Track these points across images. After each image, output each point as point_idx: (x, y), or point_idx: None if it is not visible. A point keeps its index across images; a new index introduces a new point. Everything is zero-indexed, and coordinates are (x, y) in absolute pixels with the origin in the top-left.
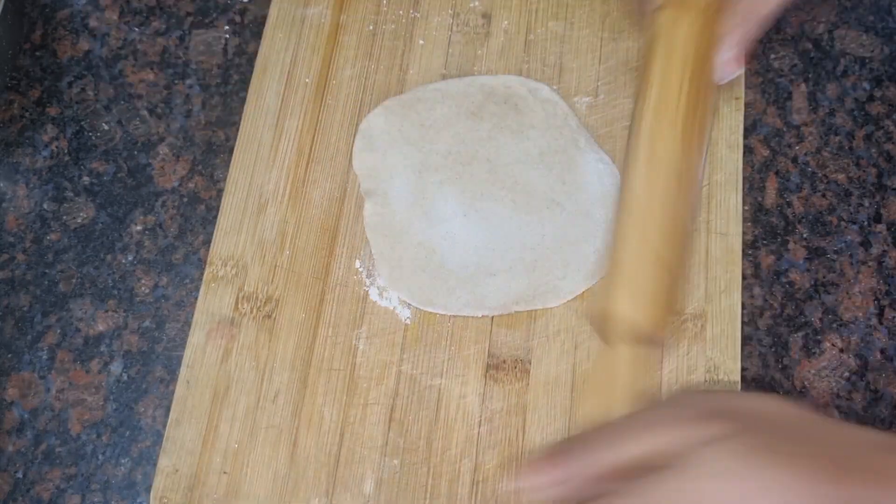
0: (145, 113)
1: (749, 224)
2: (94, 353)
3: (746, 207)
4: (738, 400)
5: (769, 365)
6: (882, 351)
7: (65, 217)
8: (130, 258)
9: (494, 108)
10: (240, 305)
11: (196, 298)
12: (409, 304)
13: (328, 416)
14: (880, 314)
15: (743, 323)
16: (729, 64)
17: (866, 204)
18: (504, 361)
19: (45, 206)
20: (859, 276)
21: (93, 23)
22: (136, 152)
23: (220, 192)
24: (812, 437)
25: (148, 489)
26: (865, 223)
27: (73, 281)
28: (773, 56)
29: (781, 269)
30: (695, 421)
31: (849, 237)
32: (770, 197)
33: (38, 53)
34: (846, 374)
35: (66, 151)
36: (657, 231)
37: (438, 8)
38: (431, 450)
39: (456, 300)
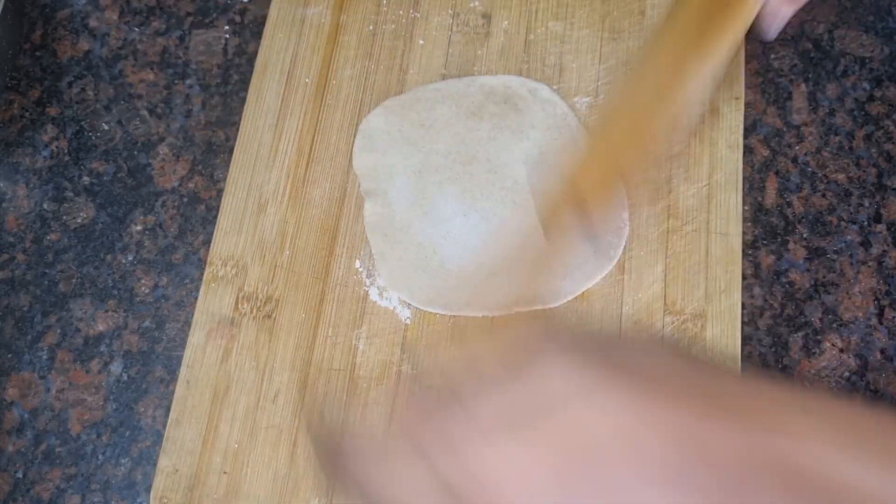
0: (145, 113)
1: (749, 224)
2: (94, 353)
3: (746, 207)
4: (631, 356)
5: (769, 365)
6: (882, 351)
7: (65, 217)
8: (130, 258)
9: (494, 108)
10: (240, 305)
11: (196, 298)
12: (409, 304)
13: (328, 416)
14: (880, 314)
15: (743, 323)
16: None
17: (866, 204)
18: None
19: (45, 206)
20: (859, 276)
21: (93, 23)
22: (136, 152)
23: (220, 192)
24: (704, 384)
25: (148, 489)
26: (865, 223)
27: (73, 281)
28: (773, 56)
29: (781, 269)
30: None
31: (849, 237)
32: (770, 197)
33: (38, 53)
34: (846, 374)
35: (66, 151)
36: (620, 130)
37: (438, 8)
38: None
39: (456, 300)
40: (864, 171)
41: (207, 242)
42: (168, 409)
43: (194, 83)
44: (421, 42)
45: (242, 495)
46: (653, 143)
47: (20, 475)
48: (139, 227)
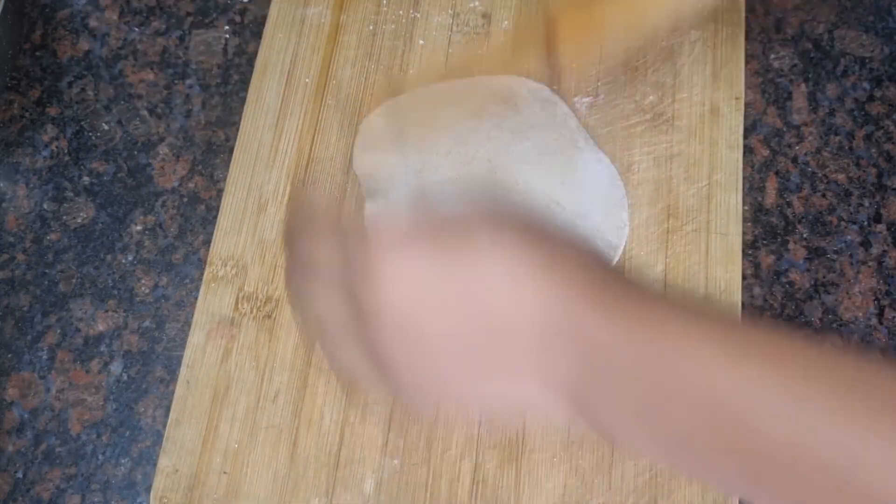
0: (145, 113)
1: (749, 224)
2: (94, 353)
3: (746, 207)
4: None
5: None
6: (882, 351)
7: (65, 217)
8: (130, 258)
9: (494, 108)
10: (240, 305)
11: (196, 298)
12: None
13: (328, 416)
14: (880, 314)
15: None
16: None
17: (866, 204)
18: None
19: (45, 206)
20: (859, 276)
21: (93, 23)
22: (136, 152)
23: (220, 192)
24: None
25: (148, 489)
26: (865, 223)
27: (73, 281)
28: (773, 56)
29: (781, 269)
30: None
31: (849, 237)
32: (770, 197)
33: (38, 53)
34: None
35: (66, 151)
36: None
37: (438, 8)
38: (431, 450)
39: None
40: (864, 171)
41: (207, 242)
42: (168, 409)
43: (194, 83)
44: (421, 42)
45: (242, 495)
46: (641, 13)
47: (20, 475)
48: (139, 227)
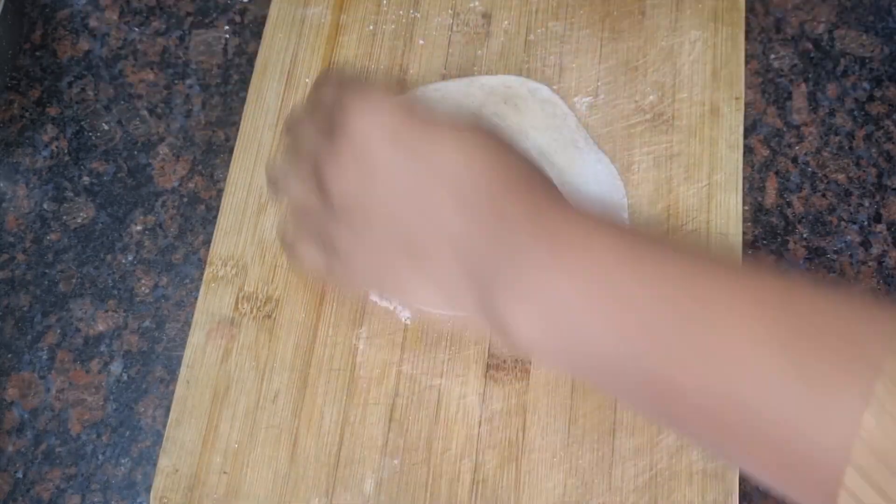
0: (145, 113)
1: (749, 224)
2: (94, 353)
3: (746, 207)
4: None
5: None
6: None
7: (65, 217)
8: (130, 258)
9: (494, 108)
10: (240, 305)
11: (196, 298)
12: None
13: (328, 416)
14: None
15: None
16: None
17: (866, 204)
18: (504, 361)
19: (45, 206)
20: (859, 276)
21: (93, 23)
22: (136, 152)
23: (220, 192)
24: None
25: (148, 489)
26: (865, 223)
27: (73, 281)
28: (773, 56)
29: (781, 269)
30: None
31: (849, 237)
32: (770, 197)
33: (38, 53)
34: None
35: (66, 151)
36: None
37: (438, 8)
38: (431, 450)
39: None
40: (864, 171)
41: (207, 242)
42: (168, 409)
43: (194, 83)
44: (421, 42)
45: (242, 495)
46: None
47: (20, 475)
48: (139, 227)
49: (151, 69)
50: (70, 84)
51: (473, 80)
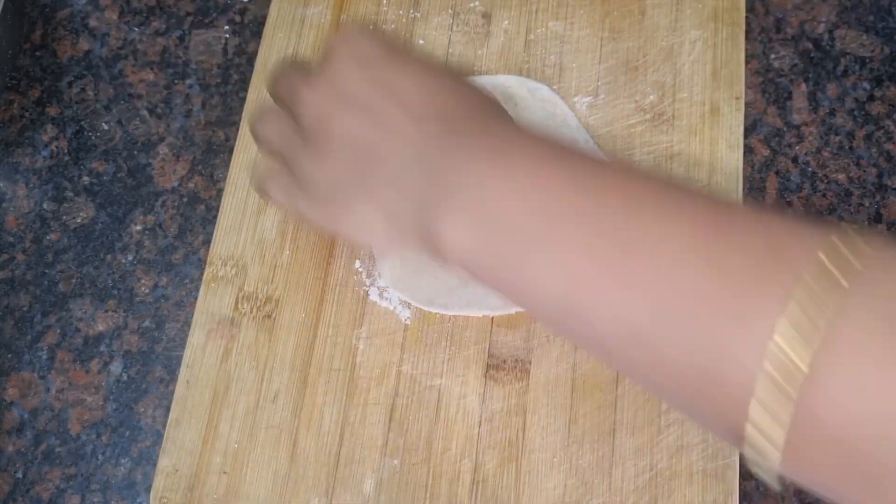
0: (145, 113)
1: None
2: (94, 353)
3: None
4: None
5: None
6: None
7: (65, 217)
8: (130, 258)
9: None
10: (240, 305)
11: (196, 298)
12: (410, 304)
13: (328, 416)
14: None
15: None
16: None
17: (866, 204)
18: (504, 361)
19: (45, 206)
20: None
21: (93, 23)
22: (136, 152)
23: (220, 192)
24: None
25: (148, 489)
26: (865, 223)
27: (73, 281)
28: (773, 56)
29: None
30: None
31: None
32: (770, 197)
33: (38, 53)
34: None
35: (66, 151)
36: None
37: (438, 8)
38: (431, 450)
39: (457, 300)
40: (864, 171)
41: (207, 242)
42: (168, 409)
43: (194, 83)
44: (421, 42)
45: (242, 495)
46: None
47: (20, 475)
48: (139, 227)
49: (151, 69)
50: (70, 84)
51: (473, 80)
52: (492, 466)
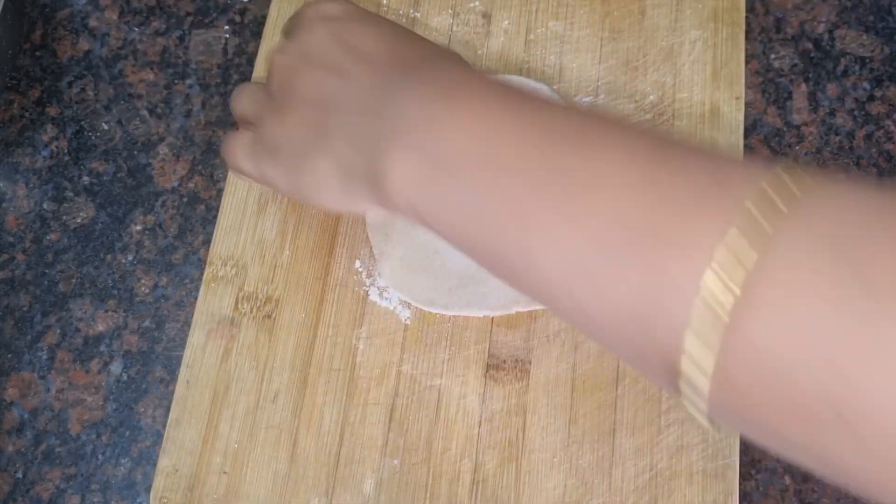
0: (145, 113)
1: None
2: (94, 353)
3: None
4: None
5: None
6: None
7: (65, 217)
8: (130, 258)
9: None
10: (240, 305)
11: (196, 298)
12: (410, 305)
13: (328, 416)
14: None
15: None
16: None
17: None
18: (504, 361)
19: (45, 206)
20: None
21: (93, 23)
22: (136, 152)
23: (220, 192)
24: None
25: (148, 489)
26: None
27: (73, 281)
28: (773, 56)
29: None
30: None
31: None
32: None
33: (38, 53)
34: None
35: (66, 151)
36: None
37: (438, 8)
38: (431, 450)
39: (457, 300)
40: (864, 171)
41: (207, 242)
42: (168, 409)
43: (194, 83)
44: None
45: (242, 495)
46: None
47: (20, 475)
48: (139, 227)
49: (151, 69)
50: (70, 84)
51: None
52: (492, 466)
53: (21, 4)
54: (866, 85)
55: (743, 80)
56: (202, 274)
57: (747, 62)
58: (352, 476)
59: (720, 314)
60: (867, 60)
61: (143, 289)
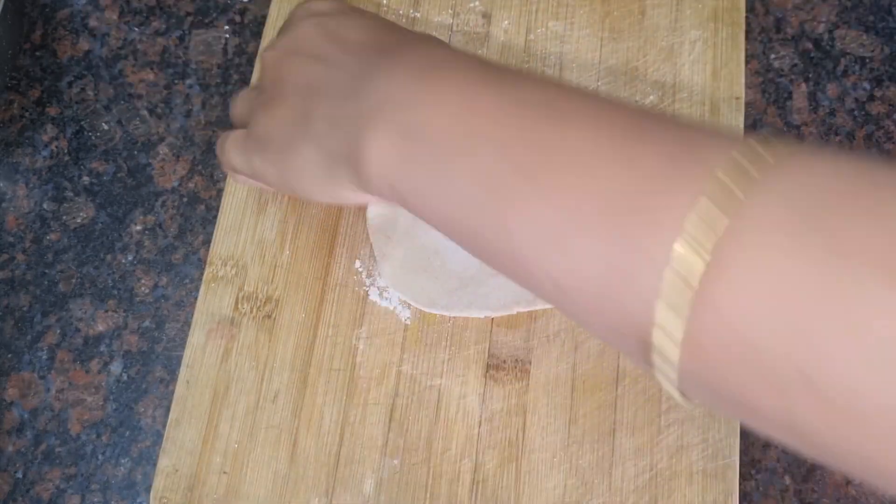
0: (145, 113)
1: None
2: (94, 353)
3: None
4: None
5: None
6: None
7: (65, 217)
8: (130, 258)
9: None
10: (240, 305)
11: (196, 298)
12: (410, 305)
13: (328, 416)
14: None
15: None
16: None
17: None
18: (504, 361)
19: (45, 206)
20: None
21: (93, 23)
22: (136, 152)
23: (220, 192)
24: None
25: (148, 489)
26: None
27: (73, 281)
28: (773, 56)
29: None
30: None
31: None
32: None
33: (38, 53)
34: None
35: (66, 151)
36: None
37: (438, 8)
38: (431, 450)
39: (458, 301)
40: None
41: (207, 242)
42: (168, 409)
43: (194, 83)
44: None
45: (242, 495)
46: None
47: (20, 475)
48: (139, 227)
49: (151, 69)
50: (70, 84)
51: None
52: (492, 466)
53: (21, 4)
54: (866, 85)
55: (743, 80)
56: (202, 274)
57: (747, 62)
58: (352, 476)
59: (690, 281)
60: (867, 60)
61: (143, 289)
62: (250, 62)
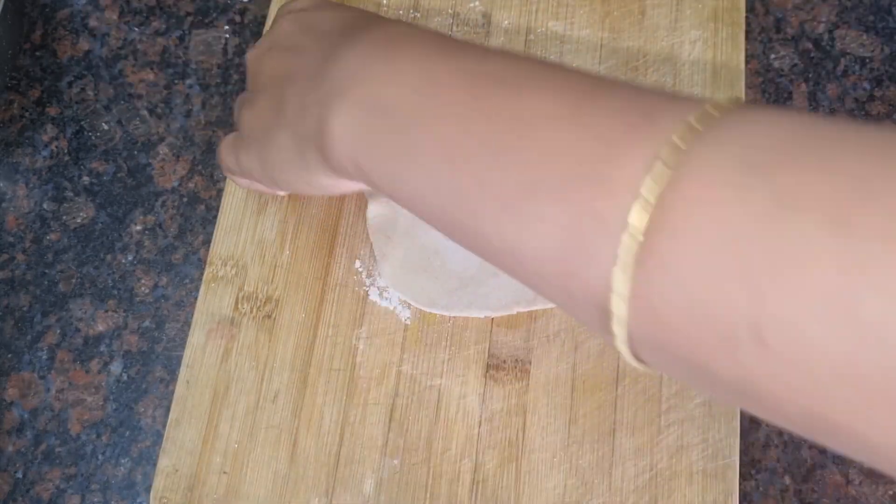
0: (145, 113)
1: None
2: (94, 353)
3: None
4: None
5: None
6: None
7: (65, 217)
8: (130, 258)
9: None
10: (240, 305)
11: (196, 298)
12: (410, 304)
13: (328, 416)
14: None
15: None
16: None
17: None
18: (504, 361)
19: (45, 206)
20: None
21: (93, 23)
22: (136, 152)
23: (220, 192)
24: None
25: (148, 489)
26: None
27: (73, 281)
28: (773, 56)
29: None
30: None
31: None
32: None
33: (38, 53)
34: None
35: (65, 151)
36: None
37: (438, 8)
38: (431, 450)
39: (458, 301)
40: None
41: (207, 242)
42: (168, 409)
43: (194, 83)
44: None
45: (242, 495)
46: None
47: (20, 475)
48: (139, 227)
49: (151, 69)
50: (70, 84)
51: None
52: (492, 466)
53: (21, 4)
54: (866, 85)
55: (743, 80)
56: (202, 274)
57: (747, 62)
58: (352, 476)
59: (637, 237)
60: (867, 60)
61: (143, 289)
62: None
